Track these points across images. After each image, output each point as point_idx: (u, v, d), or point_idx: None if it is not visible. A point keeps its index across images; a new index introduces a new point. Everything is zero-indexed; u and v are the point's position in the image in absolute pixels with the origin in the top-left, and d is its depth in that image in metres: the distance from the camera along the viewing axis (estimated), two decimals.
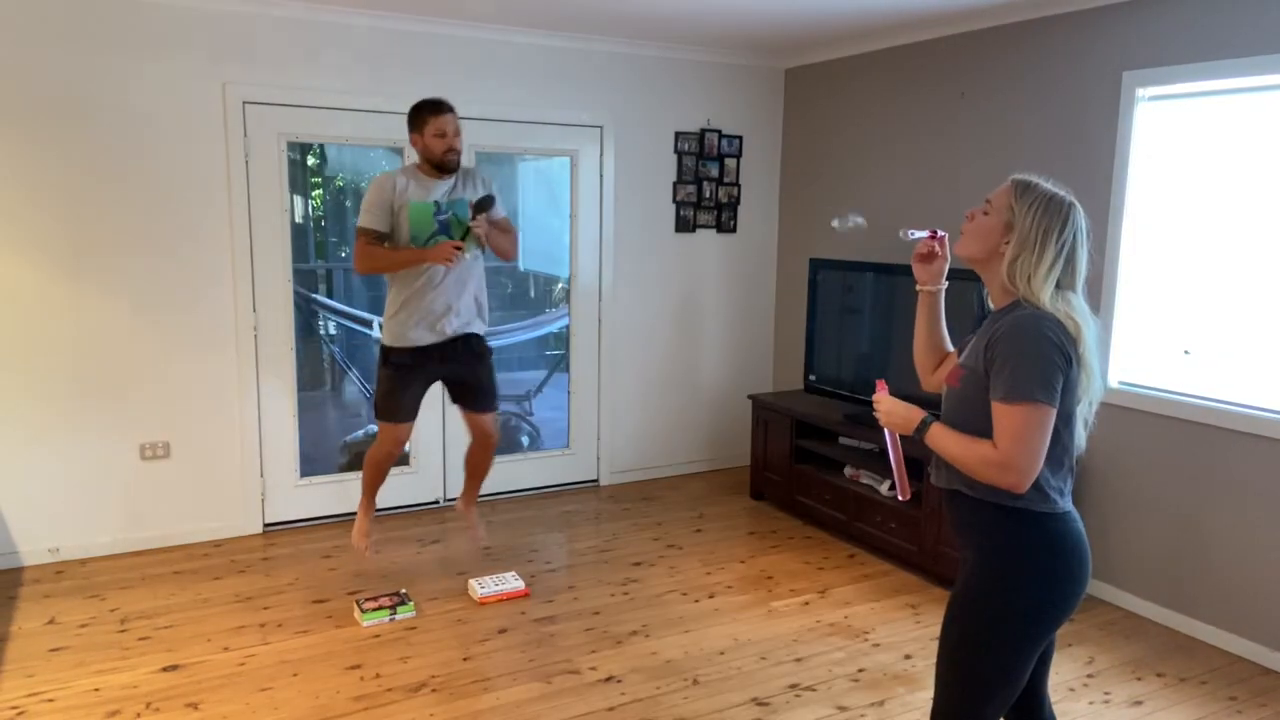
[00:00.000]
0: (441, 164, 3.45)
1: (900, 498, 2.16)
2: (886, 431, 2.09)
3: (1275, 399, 3.34)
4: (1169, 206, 3.64)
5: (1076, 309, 1.86)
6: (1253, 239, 3.39)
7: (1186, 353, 3.62)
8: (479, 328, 3.68)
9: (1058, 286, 1.87)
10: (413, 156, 3.58)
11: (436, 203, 3.49)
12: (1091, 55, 3.81)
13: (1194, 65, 3.46)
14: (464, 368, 3.68)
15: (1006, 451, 1.80)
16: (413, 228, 3.46)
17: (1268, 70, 3.26)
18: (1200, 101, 3.52)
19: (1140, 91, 3.64)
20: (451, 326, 3.58)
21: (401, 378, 3.61)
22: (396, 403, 3.64)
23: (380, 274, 3.60)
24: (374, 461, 3.77)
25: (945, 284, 2.17)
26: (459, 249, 3.37)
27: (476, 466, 3.96)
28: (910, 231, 2.14)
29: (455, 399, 3.81)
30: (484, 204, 3.51)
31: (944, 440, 1.91)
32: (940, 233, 2.12)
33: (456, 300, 3.57)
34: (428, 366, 3.62)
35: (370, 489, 3.84)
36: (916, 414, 1.98)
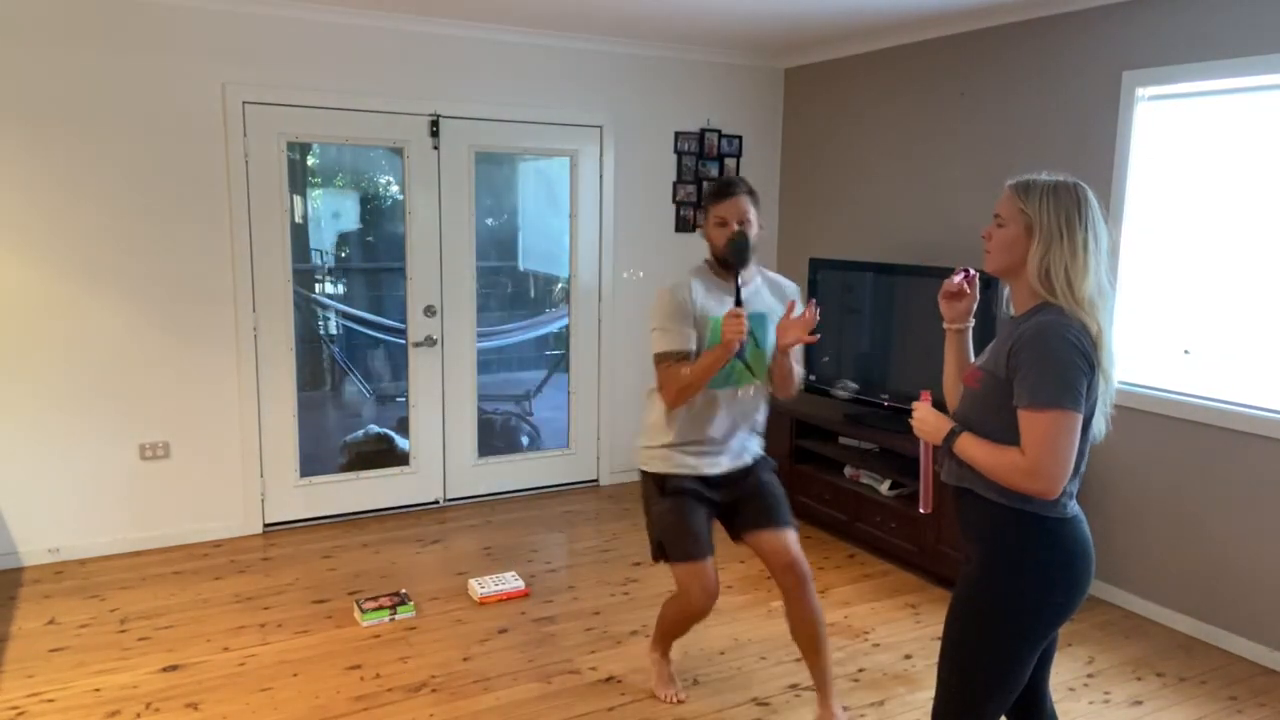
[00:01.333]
0: (724, 259, 2.82)
1: (921, 509, 2.15)
2: (922, 442, 2.09)
3: (1275, 399, 3.34)
4: (1169, 206, 3.64)
5: (1101, 311, 1.87)
6: (1253, 239, 3.39)
7: (1186, 353, 3.62)
8: (756, 448, 3.01)
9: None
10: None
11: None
12: (1091, 55, 3.81)
13: (1194, 65, 3.46)
14: (745, 483, 2.93)
15: (1035, 458, 1.80)
16: (713, 340, 2.80)
17: (1268, 70, 3.26)
18: (1200, 101, 3.52)
19: (1140, 91, 3.65)
20: (732, 457, 2.91)
21: (687, 502, 2.84)
22: (689, 532, 2.80)
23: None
24: (679, 618, 2.95)
25: (972, 322, 2.18)
26: (740, 319, 2.63)
27: (807, 632, 2.83)
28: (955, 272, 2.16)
29: (741, 530, 2.91)
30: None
31: (972, 449, 1.91)
32: (972, 271, 2.14)
33: (742, 422, 2.90)
34: (707, 494, 2.88)
35: (667, 639, 3.10)
36: (945, 423, 1.99)
